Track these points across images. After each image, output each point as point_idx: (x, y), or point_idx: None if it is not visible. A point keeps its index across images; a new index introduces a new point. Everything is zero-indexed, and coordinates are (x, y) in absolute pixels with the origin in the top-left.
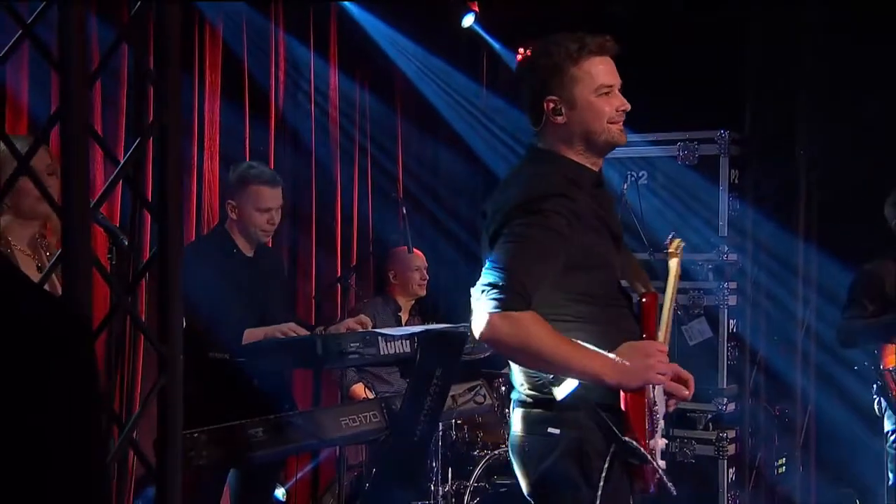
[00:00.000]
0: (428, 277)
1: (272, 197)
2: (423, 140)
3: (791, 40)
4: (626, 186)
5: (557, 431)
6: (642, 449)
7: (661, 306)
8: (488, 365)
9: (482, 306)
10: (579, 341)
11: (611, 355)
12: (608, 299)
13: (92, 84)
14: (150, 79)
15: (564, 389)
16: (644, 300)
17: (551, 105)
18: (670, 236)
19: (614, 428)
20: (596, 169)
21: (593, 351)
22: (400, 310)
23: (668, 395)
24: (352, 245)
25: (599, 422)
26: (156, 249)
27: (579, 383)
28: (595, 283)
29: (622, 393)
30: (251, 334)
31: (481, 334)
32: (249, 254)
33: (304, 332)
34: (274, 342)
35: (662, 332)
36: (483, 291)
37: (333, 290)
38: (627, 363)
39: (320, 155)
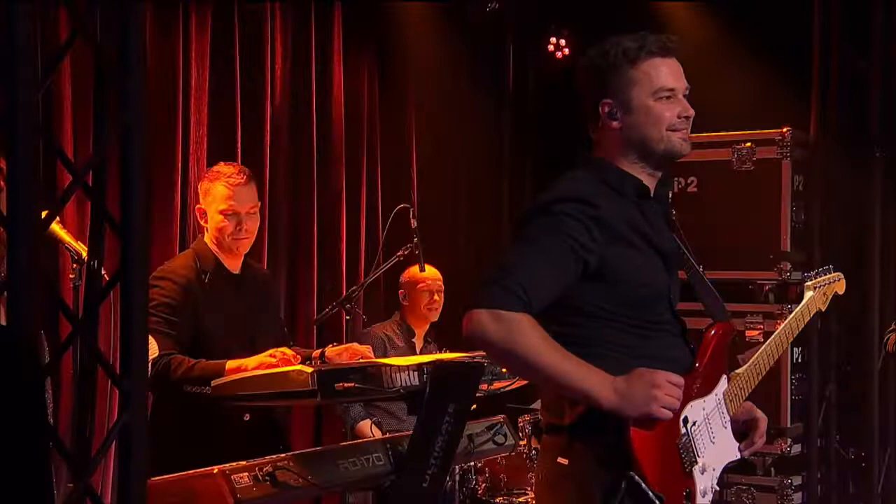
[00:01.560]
0: (441, 300)
1: (239, 198)
2: (441, 141)
3: (863, 27)
4: (671, 195)
5: (566, 462)
6: (647, 486)
7: (733, 335)
8: (512, 400)
9: (473, 302)
10: (582, 360)
11: (612, 377)
12: (638, 321)
13: (42, 84)
14: (110, 74)
15: (573, 413)
16: (712, 332)
17: (606, 108)
18: (820, 269)
19: (620, 461)
20: (651, 180)
21: (591, 368)
22: (413, 336)
23: (742, 436)
24: (359, 263)
25: (607, 454)
26: (117, 269)
27: (586, 407)
28: (618, 300)
29: (629, 423)
30: (234, 366)
31: (466, 331)
32: (235, 271)
33: (290, 355)
34: (263, 375)
35: (746, 367)
36: (478, 289)
37: (336, 313)
38: (629, 389)
39: (323, 159)
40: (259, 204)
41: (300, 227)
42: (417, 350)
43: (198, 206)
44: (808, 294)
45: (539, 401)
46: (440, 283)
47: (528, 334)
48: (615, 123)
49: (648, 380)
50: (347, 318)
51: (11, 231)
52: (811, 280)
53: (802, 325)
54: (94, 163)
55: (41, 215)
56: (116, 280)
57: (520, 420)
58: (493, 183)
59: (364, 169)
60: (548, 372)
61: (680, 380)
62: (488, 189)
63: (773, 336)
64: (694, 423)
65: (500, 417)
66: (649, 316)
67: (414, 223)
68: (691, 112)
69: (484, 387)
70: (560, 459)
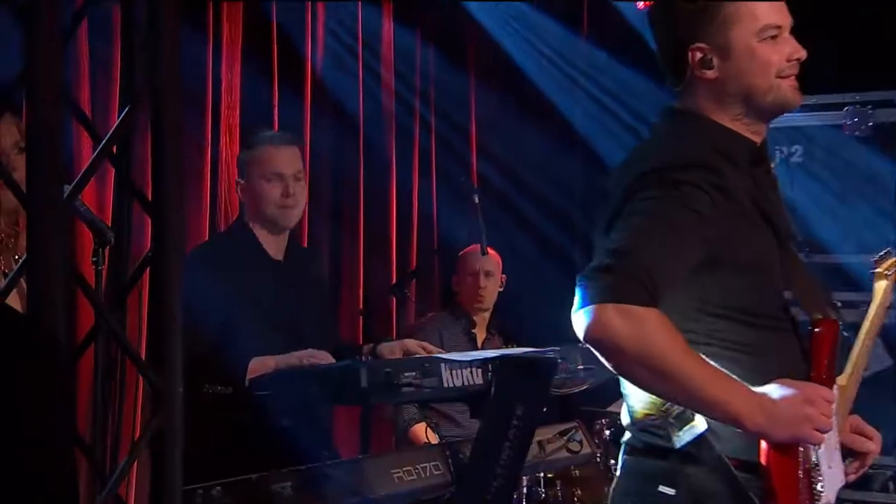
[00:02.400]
0: (492, 285)
1: (282, 158)
2: (504, 109)
3: None
4: (773, 166)
5: (672, 492)
6: None
7: (846, 338)
8: (587, 401)
9: (589, 294)
10: (721, 369)
11: (759, 390)
12: (764, 317)
13: (68, 37)
14: (139, 29)
15: (687, 433)
16: (817, 329)
17: (698, 55)
18: (883, 252)
19: (751, 493)
20: (757, 140)
21: (734, 380)
22: (473, 326)
23: (848, 456)
24: (410, 246)
25: (730, 483)
26: (149, 252)
27: (707, 427)
28: (746, 293)
29: (764, 445)
30: (258, 365)
31: (587, 331)
32: (278, 257)
33: (325, 359)
34: (305, 372)
35: (847, 375)
36: (590, 277)
37: (386, 302)
38: (778, 406)
39: (370, 131)
40: (303, 172)
41: (345, 203)
42: (479, 343)
43: (237, 180)
44: (881, 283)
45: (620, 402)
46: (492, 265)
47: (662, 335)
48: (710, 73)
49: (801, 396)
50: (398, 307)
51: (31, 208)
52: (881, 267)
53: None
54: (122, 131)
55: (63, 191)
56: (147, 263)
57: (596, 424)
58: (565, 150)
59: (417, 137)
60: (685, 383)
61: (831, 394)
62: (558, 157)
63: (860, 337)
64: (818, 447)
65: (575, 422)
66: (765, 309)
67: (476, 199)
68: (802, 53)
69: (557, 386)
70: (662, 488)
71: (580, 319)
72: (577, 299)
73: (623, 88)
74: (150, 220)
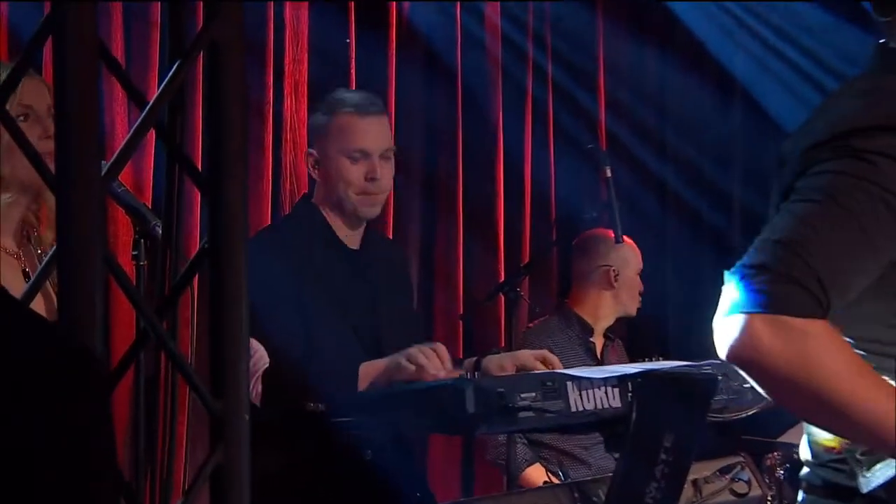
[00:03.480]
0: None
1: (369, 132)
2: (641, 55)
3: None
4: None
5: None
6: None
7: None
8: (755, 430)
9: (735, 300)
10: None
11: None
12: None
13: None
14: None
15: (878, 474)
16: None
17: None
18: None
19: None
20: None
21: None
22: (591, 333)
23: None
24: (523, 232)
25: None
26: (205, 242)
27: None
28: None
29: None
30: (371, 370)
31: (731, 347)
32: (354, 245)
33: (443, 363)
34: (395, 392)
35: None
36: (742, 277)
37: (493, 304)
38: None
39: (472, 86)
40: (393, 150)
41: (439, 176)
42: (598, 353)
43: (309, 150)
44: None
45: (796, 430)
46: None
47: (830, 355)
48: None
49: None
50: (508, 310)
51: (62, 193)
52: None
53: None
54: (171, 92)
55: (101, 169)
56: (204, 256)
57: (766, 459)
58: (721, 105)
59: (529, 98)
60: (860, 416)
61: None
62: (712, 114)
63: None
64: None
65: (740, 456)
66: None
67: (607, 172)
68: None
69: (716, 411)
70: None
71: (724, 331)
72: (722, 304)
73: (799, 27)
74: (201, 206)
